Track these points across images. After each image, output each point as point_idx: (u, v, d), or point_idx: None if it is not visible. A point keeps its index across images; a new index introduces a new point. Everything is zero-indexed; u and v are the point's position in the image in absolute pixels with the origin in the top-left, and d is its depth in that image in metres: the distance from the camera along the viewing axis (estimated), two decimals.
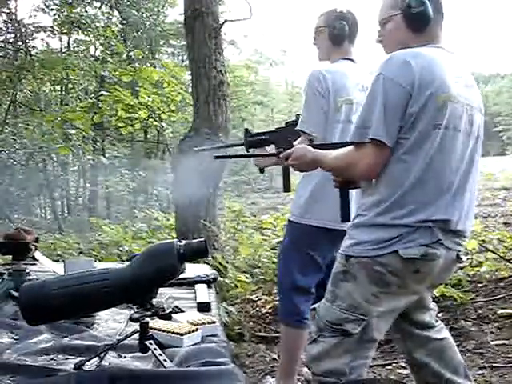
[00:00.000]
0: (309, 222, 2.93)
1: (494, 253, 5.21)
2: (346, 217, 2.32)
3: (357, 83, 2.96)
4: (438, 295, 4.23)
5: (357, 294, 2.03)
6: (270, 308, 4.54)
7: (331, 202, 2.85)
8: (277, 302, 3.51)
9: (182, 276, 2.44)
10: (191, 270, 2.62)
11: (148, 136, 17.88)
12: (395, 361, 3.67)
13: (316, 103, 2.88)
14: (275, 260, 4.93)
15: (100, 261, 5.01)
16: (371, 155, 1.97)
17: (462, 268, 5.09)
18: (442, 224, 1.98)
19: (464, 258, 2.22)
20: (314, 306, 2.21)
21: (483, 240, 5.72)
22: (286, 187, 3.10)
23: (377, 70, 2.01)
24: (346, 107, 2.89)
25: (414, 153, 1.96)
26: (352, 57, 3.06)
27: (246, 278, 5.01)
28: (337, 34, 3.01)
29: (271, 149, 3.04)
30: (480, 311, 4.27)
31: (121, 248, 7.03)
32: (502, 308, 4.26)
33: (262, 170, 3.18)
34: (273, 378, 3.33)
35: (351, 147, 2.04)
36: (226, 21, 6.06)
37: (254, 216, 9.81)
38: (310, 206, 2.92)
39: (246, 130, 3.26)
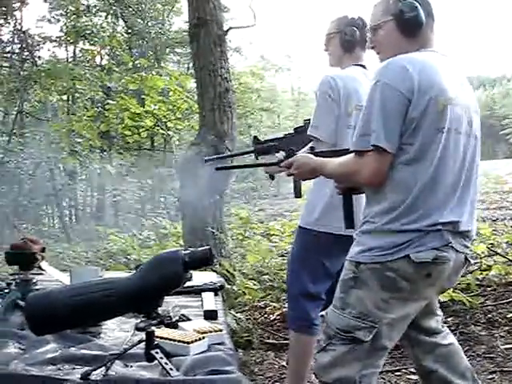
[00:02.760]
0: (321, 229, 2.91)
1: (503, 256, 5.18)
2: (350, 223, 2.32)
3: (368, 89, 2.95)
4: (447, 300, 4.21)
5: (368, 301, 2.00)
6: (278, 315, 4.52)
7: None
8: (285, 309, 3.50)
9: (188, 284, 2.44)
10: (198, 277, 2.62)
11: (155, 144, 17.92)
12: (405, 367, 3.65)
13: (327, 108, 2.87)
14: (283, 267, 4.92)
15: (107, 270, 5.02)
16: (374, 162, 1.96)
17: (471, 272, 5.07)
18: (450, 226, 1.97)
19: (472, 260, 2.21)
20: (322, 312, 2.20)
21: (492, 244, 5.69)
22: (298, 193, 3.09)
23: (374, 77, 2.01)
24: (356, 113, 2.87)
25: (420, 158, 1.95)
26: (364, 63, 3.05)
27: (254, 284, 5.00)
28: (348, 40, 3.01)
29: (280, 155, 3.04)
30: (489, 315, 4.24)
31: (128, 257, 7.04)
32: None
33: (272, 177, 3.18)
34: None
35: (353, 155, 2.03)
36: (230, 28, 6.09)
37: (262, 223, 9.81)
38: (324, 212, 2.90)
39: (255, 137, 3.25)
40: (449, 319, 4.17)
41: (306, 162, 2.27)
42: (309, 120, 3.00)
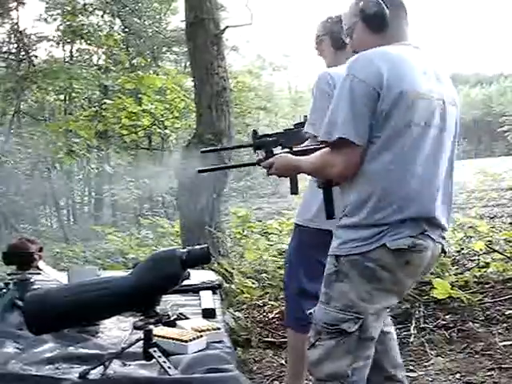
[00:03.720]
0: (318, 226, 2.90)
1: (500, 253, 5.18)
2: (331, 214, 2.34)
3: None
4: (445, 297, 4.21)
5: (351, 293, 2.02)
6: (276, 313, 4.52)
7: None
8: (284, 307, 3.50)
9: (186, 283, 2.45)
10: (196, 276, 2.62)
11: (152, 143, 17.90)
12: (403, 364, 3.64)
13: (324, 105, 2.84)
14: (281, 265, 4.91)
15: (105, 269, 5.01)
16: (344, 155, 1.97)
17: (469, 269, 5.07)
18: (426, 218, 2.00)
19: (447, 250, 2.25)
20: (310, 310, 2.20)
21: (490, 241, 5.69)
22: (294, 190, 3.08)
23: (345, 71, 2.02)
24: None
25: (388, 151, 1.97)
26: None
27: (252, 283, 4.99)
28: (338, 38, 2.99)
29: (279, 150, 3.04)
30: (488, 312, 4.25)
31: (126, 256, 7.03)
32: (510, 309, 4.23)
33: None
34: (281, 383, 3.32)
35: (326, 149, 2.05)
36: (227, 27, 6.07)
37: (260, 221, 9.79)
38: (321, 209, 2.87)
39: (254, 131, 3.24)
40: (447, 316, 4.18)
41: (285, 162, 2.29)
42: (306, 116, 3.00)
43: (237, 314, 4.32)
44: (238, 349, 3.83)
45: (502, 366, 3.46)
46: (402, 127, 1.96)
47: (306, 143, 2.82)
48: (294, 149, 2.40)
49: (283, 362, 3.78)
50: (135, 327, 1.53)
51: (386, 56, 2.00)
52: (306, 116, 3.01)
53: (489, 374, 3.40)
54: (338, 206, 2.26)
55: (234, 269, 5.27)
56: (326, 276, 2.10)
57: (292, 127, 3.06)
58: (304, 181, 3.08)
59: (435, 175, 2.04)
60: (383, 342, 2.26)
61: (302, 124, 2.96)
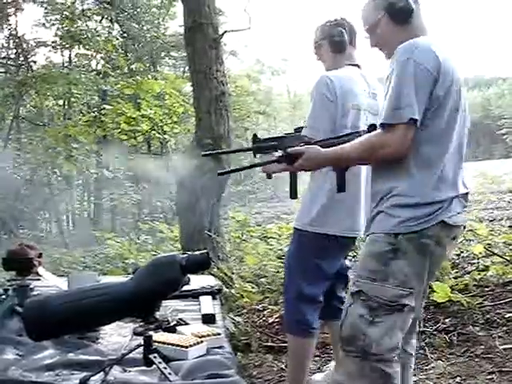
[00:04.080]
0: (317, 230, 2.90)
1: (500, 256, 5.17)
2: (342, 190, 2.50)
3: (364, 89, 2.95)
4: (445, 301, 4.21)
5: (408, 269, 2.11)
6: (276, 318, 4.51)
7: (343, 210, 2.86)
8: (284, 312, 3.49)
9: (186, 288, 2.45)
10: (196, 281, 2.62)
11: (151, 148, 17.90)
12: None
13: (323, 109, 2.85)
14: (281, 269, 4.91)
15: (105, 274, 5.01)
16: (404, 136, 2.04)
17: (468, 273, 5.07)
18: (464, 194, 2.22)
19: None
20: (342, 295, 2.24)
21: (489, 244, 5.68)
22: (293, 194, 3.08)
23: (401, 55, 2.08)
24: (353, 112, 2.87)
25: (443, 134, 2.11)
26: (357, 61, 3.05)
27: (252, 287, 4.98)
28: (338, 42, 3.00)
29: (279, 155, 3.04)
30: (488, 316, 4.24)
31: (126, 261, 7.03)
32: (510, 312, 4.23)
33: (269, 176, 3.17)
34: None
35: (378, 131, 2.11)
36: (225, 31, 6.08)
37: (259, 225, 9.79)
38: (322, 214, 2.89)
39: (255, 135, 3.24)
40: (447, 320, 4.17)
41: (316, 153, 2.29)
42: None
43: (237, 318, 4.31)
44: (238, 353, 3.83)
45: (503, 369, 3.46)
46: (453, 113, 2.11)
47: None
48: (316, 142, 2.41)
49: (283, 366, 3.77)
50: (135, 333, 1.53)
51: (435, 44, 2.12)
52: (306, 121, 3.02)
53: (489, 377, 3.40)
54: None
55: (233, 273, 5.27)
56: (379, 254, 2.15)
57: (292, 132, 3.06)
58: (303, 185, 3.08)
59: (463, 156, 2.25)
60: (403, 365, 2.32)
61: (302, 128, 2.96)
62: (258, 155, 3.15)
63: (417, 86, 2.02)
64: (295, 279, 2.98)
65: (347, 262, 3.31)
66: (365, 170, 2.88)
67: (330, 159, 2.28)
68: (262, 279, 5.45)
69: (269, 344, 4.19)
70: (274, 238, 7.41)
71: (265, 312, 4.75)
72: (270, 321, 4.57)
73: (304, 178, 3.12)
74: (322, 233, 2.89)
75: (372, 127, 2.81)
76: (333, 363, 3.38)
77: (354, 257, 6.40)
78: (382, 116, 2.10)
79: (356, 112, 2.88)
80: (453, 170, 2.16)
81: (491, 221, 8.35)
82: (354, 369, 2.16)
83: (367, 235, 2.25)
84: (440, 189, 2.11)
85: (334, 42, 3.01)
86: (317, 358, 3.89)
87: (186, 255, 1.55)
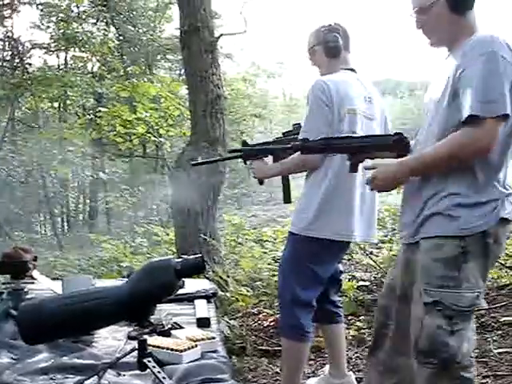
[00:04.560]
0: (312, 235, 2.89)
1: None
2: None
3: (360, 93, 2.95)
4: None
5: (476, 271, 2.07)
6: (271, 321, 4.51)
7: (337, 214, 2.86)
8: (279, 315, 3.49)
9: (181, 291, 2.44)
10: (191, 285, 2.62)
11: (147, 151, 17.90)
12: None
13: (320, 113, 2.84)
14: (276, 273, 4.91)
15: (99, 277, 5.00)
16: (495, 130, 1.96)
17: None
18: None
19: None
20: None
21: None
22: (287, 198, 3.09)
23: (483, 47, 2.01)
24: (349, 117, 2.86)
25: (510, 134, 2.06)
26: (352, 66, 3.06)
27: (247, 291, 4.98)
28: (332, 47, 3.00)
29: (269, 160, 3.04)
30: (482, 319, 4.24)
31: (121, 264, 7.02)
32: (505, 316, 4.24)
33: (261, 182, 3.18)
34: None
35: (459, 132, 2.00)
36: (221, 35, 6.08)
37: (255, 229, 9.79)
38: (316, 218, 2.88)
39: (244, 141, 3.25)
40: None
41: (393, 170, 2.18)
42: (298, 124, 2.99)
43: (232, 322, 4.31)
44: (233, 357, 3.82)
45: (497, 373, 3.46)
46: None
47: (295, 154, 2.82)
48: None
49: (278, 370, 3.77)
50: (130, 337, 1.53)
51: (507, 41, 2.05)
52: (295, 124, 3.02)
53: (484, 381, 3.40)
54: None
55: (228, 277, 5.26)
56: (449, 259, 2.08)
57: (281, 136, 3.06)
58: (297, 189, 3.09)
59: None
60: None
61: (291, 132, 2.96)
62: (248, 162, 3.16)
63: (505, 80, 1.95)
64: (290, 284, 2.98)
65: (340, 267, 3.31)
66: (360, 174, 2.87)
67: (407, 171, 2.15)
68: (258, 282, 5.45)
69: (264, 348, 4.18)
70: (269, 242, 7.42)
71: (260, 315, 4.75)
72: (265, 324, 4.57)
73: (298, 183, 3.12)
74: (317, 237, 2.88)
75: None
76: (327, 367, 3.38)
77: (349, 260, 6.44)
78: (464, 109, 1.97)
79: (352, 116, 2.88)
80: (505, 168, 2.11)
81: None
82: (432, 379, 2.10)
83: (418, 240, 2.16)
84: (496, 186, 2.06)
85: (329, 48, 3.01)
86: (311, 362, 3.89)
87: (180, 259, 1.55)
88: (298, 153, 2.81)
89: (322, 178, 2.87)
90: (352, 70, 3.04)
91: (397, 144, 2.21)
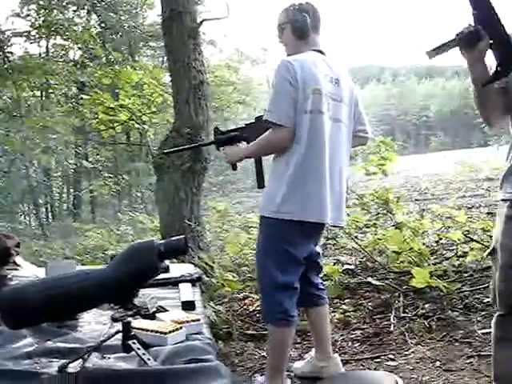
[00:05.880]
0: (283, 217, 2.85)
1: (478, 242, 5.23)
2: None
3: (326, 74, 2.92)
4: (424, 286, 4.25)
5: None
6: (257, 306, 4.53)
7: (307, 196, 2.85)
8: (260, 302, 3.48)
9: (166, 276, 2.45)
10: (176, 269, 2.62)
11: (131, 139, 17.83)
12: (384, 353, 3.67)
13: (285, 93, 2.79)
14: None
15: (84, 265, 4.98)
16: None
17: (447, 259, 5.12)
18: None
19: None
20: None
21: (468, 230, 5.75)
22: (261, 183, 3.06)
23: None
24: (314, 97, 2.84)
25: None
26: (320, 47, 3.03)
27: (233, 276, 4.99)
28: (300, 27, 2.98)
29: (242, 145, 3.03)
30: (466, 301, 4.28)
31: (106, 252, 7.01)
32: (488, 297, 4.27)
33: (234, 167, 3.18)
34: (262, 375, 3.32)
35: None
36: (204, 20, 6.04)
37: (240, 215, 9.81)
38: (287, 200, 2.85)
39: (216, 128, 3.25)
40: (426, 305, 4.21)
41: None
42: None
43: (218, 307, 4.31)
44: (220, 342, 3.83)
45: (481, 353, 3.50)
46: None
47: (266, 133, 2.81)
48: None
49: (264, 354, 3.78)
50: (113, 319, 1.52)
51: None
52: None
53: (468, 361, 3.44)
54: None
55: (214, 262, 5.27)
56: None
57: (253, 121, 3.05)
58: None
59: None
60: None
61: (263, 117, 2.96)
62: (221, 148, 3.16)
63: None
64: (268, 269, 2.95)
65: (318, 249, 3.29)
66: (327, 157, 2.87)
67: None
68: (243, 268, 5.47)
69: (250, 332, 4.20)
70: (254, 228, 7.42)
71: (246, 300, 4.77)
72: (250, 309, 4.59)
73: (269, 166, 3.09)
74: (289, 219, 2.86)
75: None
76: (313, 350, 3.40)
77: (334, 244, 6.47)
78: None
79: (317, 96, 2.85)
80: None
81: (469, 208, 8.45)
82: None
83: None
84: None
85: (296, 27, 2.99)
86: (297, 346, 3.91)
87: (163, 241, 1.54)
88: (266, 133, 2.81)
89: (288, 160, 2.86)
90: (320, 51, 3.02)
91: None
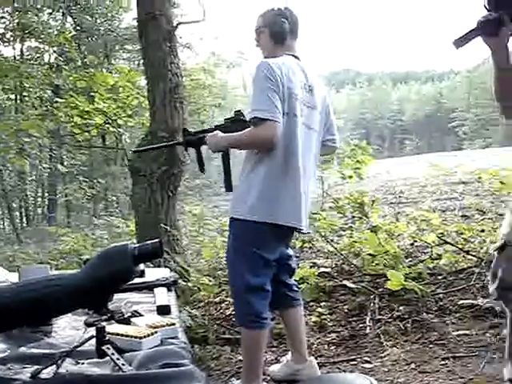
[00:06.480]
0: (254, 219, 2.84)
1: (452, 245, 5.28)
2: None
3: (300, 80, 2.93)
4: (398, 289, 4.27)
5: None
6: (233, 310, 4.52)
7: (280, 199, 2.85)
8: (233, 305, 3.47)
9: (141, 280, 2.43)
10: (151, 274, 2.60)
11: (106, 142, 17.70)
12: (359, 356, 3.69)
13: (268, 88, 2.76)
14: None
15: (58, 270, 4.93)
16: None
17: (422, 261, 5.16)
18: None
19: None
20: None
21: (442, 233, 5.80)
22: (229, 186, 3.05)
23: None
24: (291, 100, 2.82)
25: None
26: (296, 53, 3.04)
27: (209, 280, 4.97)
28: (278, 32, 2.99)
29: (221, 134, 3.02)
30: (441, 303, 4.32)
31: (81, 257, 6.94)
32: (462, 299, 4.32)
33: (202, 169, 3.19)
34: (238, 379, 3.31)
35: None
36: (180, 23, 6.03)
37: (217, 219, 9.78)
38: (256, 201, 2.85)
39: (184, 129, 3.25)
40: (401, 308, 4.24)
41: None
42: (239, 111, 2.98)
43: (194, 311, 4.30)
44: (196, 346, 3.82)
45: (456, 354, 3.53)
46: None
47: (246, 131, 2.80)
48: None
49: (241, 357, 3.78)
50: (86, 324, 1.51)
51: None
52: (236, 111, 3.00)
53: (443, 363, 3.47)
54: None
55: (190, 266, 5.25)
56: None
57: (223, 123, 3.05)
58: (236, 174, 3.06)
59: None
60: None
61: (232, 119, 2.96)
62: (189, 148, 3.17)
63: None
64: (239, 272, 2.94)
65: (290, 251, 3.30)
66: (300, 160, 2.88)
67: None
68: (219, 272, 5.46)
69: (226, 336, 4.19)
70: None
71: (222, 304, 4.76)
72: (227, 313, 4.58)
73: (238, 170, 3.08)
74: (260, 221, 2.85)
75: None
76: (290, 354, 3.40)
77: (310, 248, 6.48)
78: None
79: (294, 101, 2.86)
80: None
81: (444, 211, 8.52)
82: None
83: None
84: None
85: (274, 32, 3.00)
86: (274, 349, 3.91)
87: (137, 244, 1.53)
88: (251, 128, 2.79)
89: (261, 160, 2.86)
90: (296, 57, 3.03)
91: None
